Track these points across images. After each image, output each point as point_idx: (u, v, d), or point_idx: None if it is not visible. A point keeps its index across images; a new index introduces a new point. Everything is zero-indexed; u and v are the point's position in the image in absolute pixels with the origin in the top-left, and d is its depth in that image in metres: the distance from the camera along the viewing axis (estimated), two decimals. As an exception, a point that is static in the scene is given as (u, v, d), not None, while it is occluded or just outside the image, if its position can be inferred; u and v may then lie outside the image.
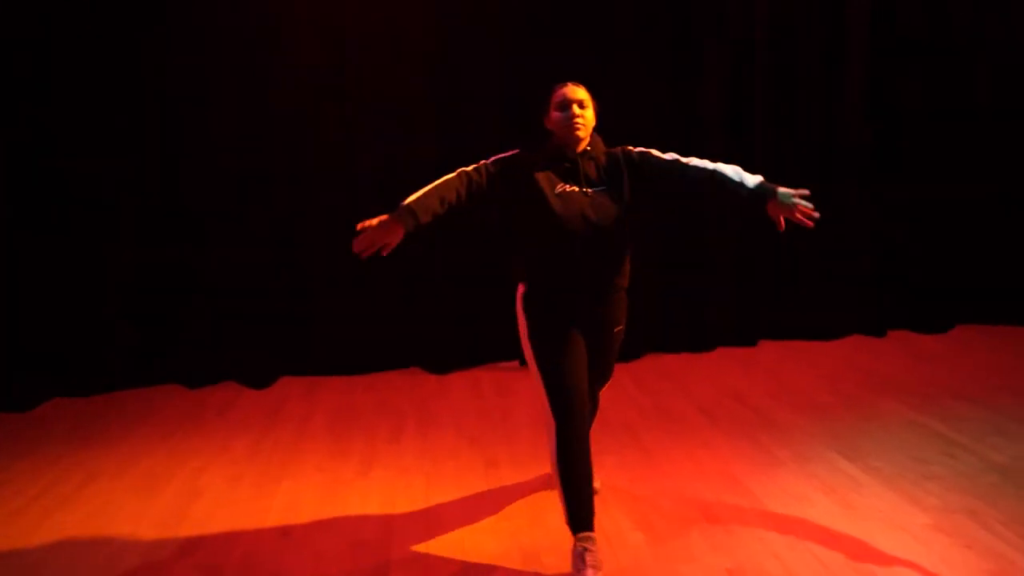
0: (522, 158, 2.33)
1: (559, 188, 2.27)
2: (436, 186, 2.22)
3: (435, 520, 2.64)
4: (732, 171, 2.21)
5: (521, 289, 2.42)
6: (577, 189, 2.27)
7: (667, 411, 3.70)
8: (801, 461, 3.05)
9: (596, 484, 2.52)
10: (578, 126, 2.28)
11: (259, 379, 4.28)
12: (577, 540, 2.18)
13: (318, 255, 4.37)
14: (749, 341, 4.94)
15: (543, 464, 3.08)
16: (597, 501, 2.33)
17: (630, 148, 2.37)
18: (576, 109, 2.28)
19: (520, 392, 4.08)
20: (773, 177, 2.23)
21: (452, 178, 2.26)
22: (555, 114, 2.32)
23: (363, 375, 4.43)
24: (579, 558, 2.14)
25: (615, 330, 2.43)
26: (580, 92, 2.32)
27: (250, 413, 3.82)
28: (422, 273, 4.46)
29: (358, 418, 3.71)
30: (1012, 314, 5.13)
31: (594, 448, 2.31)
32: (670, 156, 2.32)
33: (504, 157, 2.33)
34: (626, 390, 4.00)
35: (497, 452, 3.24)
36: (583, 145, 2.33)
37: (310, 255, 4.38)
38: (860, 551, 2.36)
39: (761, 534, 2.49)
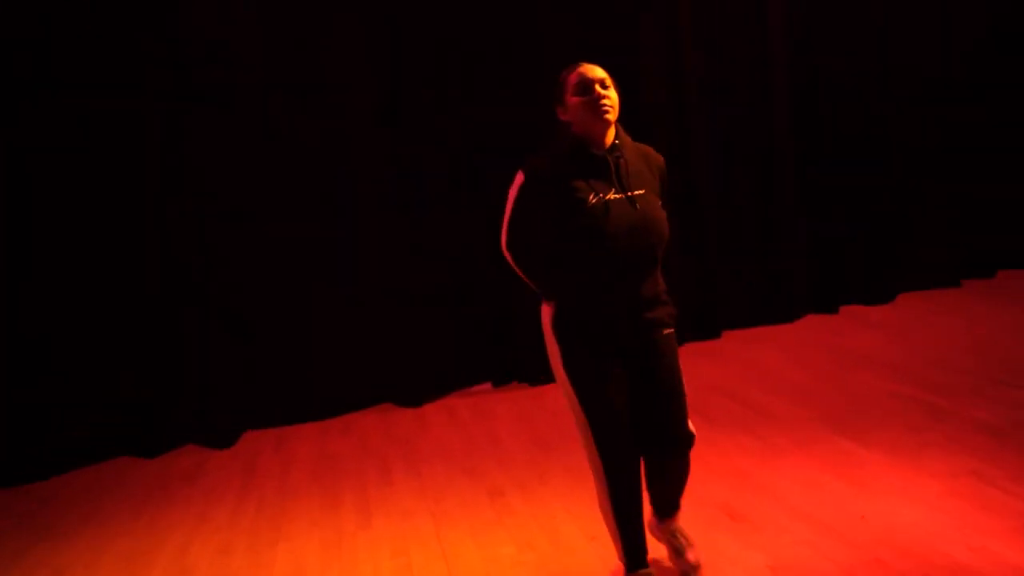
0: (543, 164, 1.99)
1: (600, 195, 1.92)
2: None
3: (455, 562, 2.50)
4: None
5: (549, 310, 2.06)
6: (622, 196, 1.94)
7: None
8: (802, 446, 3.07)
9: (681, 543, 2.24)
10: (606, 108, 1.93)
11: (222, 438, 4.00)
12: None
13: (274, 300, 4.14)
14: (713, 334, 5.01)
15: (549, 485, 2.99)
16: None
17: (661, 156, 2.12)
18: (599, 89, 1.95)
19: (501, 414, 3.98)
20: (711, 174, 2.15)
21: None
22: (573, 99, 1.96)
23: (333, 419, 4.21)
24: None
25: (665, 332, 2.06)
26: (599, 71, 1.99)
27: (222, 476, 3.55)
28: (376, 305, 4.29)
29: (341, 464, 3.51)
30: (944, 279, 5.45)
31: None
32: None
33: (530, 175, 1.97)
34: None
35: (497, 480, 3.12)
36: (612, 136, 1.99)
37: (265, 300, 4.15)
38: (887, 528, 2.37)
39: (787, 525, 2.47)
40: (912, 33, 5.38)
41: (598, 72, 1.99)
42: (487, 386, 4.54)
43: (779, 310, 5.13)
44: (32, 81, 3.39)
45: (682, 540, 2.24)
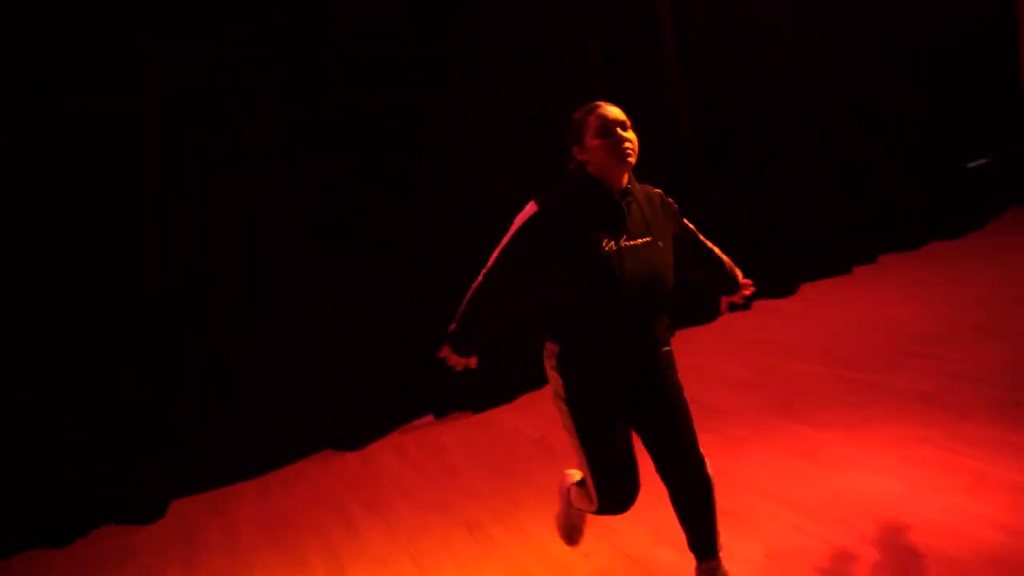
0: (555, 201, 1.92)
1: (614, 240, 1.88)
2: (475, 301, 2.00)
3: (451, 602, 2.38)
4: (720, 254, 2.28)
5: (552, 348, 2.00)
6: (639, 242, 1.90)
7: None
8: (760, 435, 3.18)
9: None
10: (629, 152, 1.89)
11: (146, 511, 3.63)
12: None
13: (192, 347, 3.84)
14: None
15: (524, 509, 2.93)
16: (608, 530, 2.31)
17: (671, 199, 2.11)
18: (621, 131, 1.90)
19: (451, 445, 3.87)
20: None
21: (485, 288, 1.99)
22: (595, 141, 1.90)
23: (269, 474, 3.94)
24: None
25: (664, 350, 2.03)
26: (619, 112, 1.94)
27: (156, 553, 3.22)
28: (303, 347, 4.09)
29: (294, 520, 3.28)
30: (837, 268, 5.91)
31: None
32: (691, 226, 2.18)
33: (544, 208, 1.91)
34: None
35: (470, 511, 3.01)
36: (627, 179, 1.96)
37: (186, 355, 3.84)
38: (861, 501, 2.49)
39: (771, 511, 2.54)
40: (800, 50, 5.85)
41: (619, 114, 1.93)
42: (429, 418, 4.41)
43: (698, 311, 5.33)
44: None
45: None
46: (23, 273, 3.39)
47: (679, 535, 2.36)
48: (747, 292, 2.34)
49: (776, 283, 5.61)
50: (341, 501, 3.39)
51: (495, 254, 1.98)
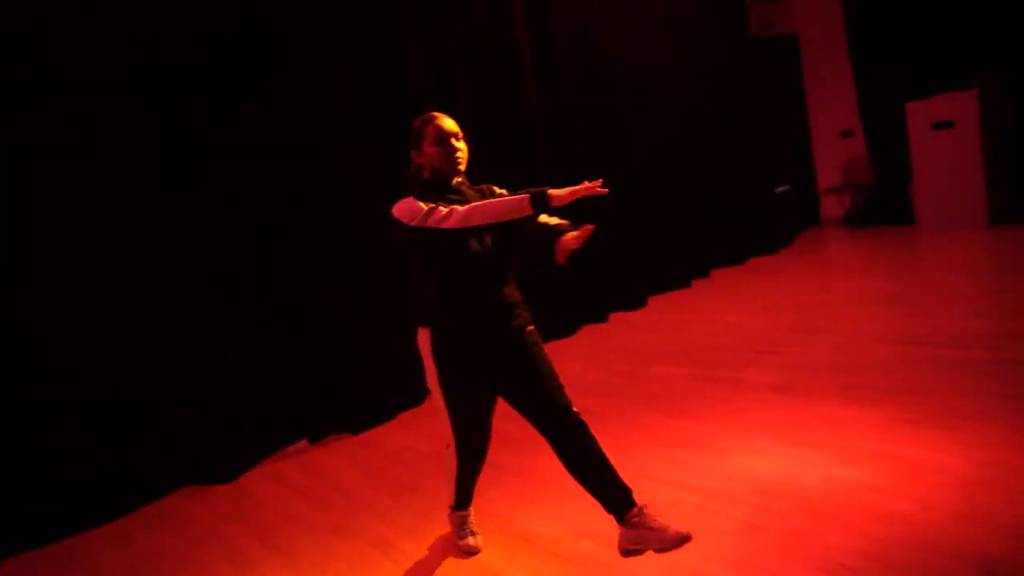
0: (420, 194, 2.15)
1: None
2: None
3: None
4: (551, 218, 2.30)
5: (426, 332, 2.27)
6: None
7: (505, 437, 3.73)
8: (642, 431, 3.38)
9: None
10: (460, 161, 2.22)
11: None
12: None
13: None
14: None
15: (438, 522, 2.88)
16: (527, 532, 2.46)
17: (500, 187, 2.40)
18: (454, 142, 2.21)
19: (337, 468, 3.71)
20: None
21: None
22: (432, 148, 2.20)
23: (126, 516, 3.54)
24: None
25: (528, 328, 2.31)
26: (454, 124, 2.24)
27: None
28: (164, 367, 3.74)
29: (170, 563, 2.96)
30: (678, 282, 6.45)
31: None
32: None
33: (418, 197, 2.11)
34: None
35: (379, 531, 2.91)
36: (456, 182, 2.27)
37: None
38: (753, 480, 2.73)
39: (674, 496, 2.70)
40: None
41: (454, 125, 2.22)
42: (303, 444, 4.20)
43: (557, 326, 5.54)
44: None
45: (657, 521, 2.17)
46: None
47: (597, 527, 2.48)
48: (586, 231, 2.24)
49: (626, 296, 6.02)
50: (225, 536, 3.12)
51: (450, 221, 2.04)
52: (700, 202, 6.81)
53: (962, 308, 4.50)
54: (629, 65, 6.10)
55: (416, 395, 4.59)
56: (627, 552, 2.18)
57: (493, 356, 2.27)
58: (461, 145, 2.22)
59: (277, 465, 3.92)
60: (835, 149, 8.48)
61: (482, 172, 2.63)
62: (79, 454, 3.45)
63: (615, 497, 2.21)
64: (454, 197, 2.22)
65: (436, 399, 2.36)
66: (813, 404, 3.35)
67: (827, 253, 7.34)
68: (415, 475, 3.42)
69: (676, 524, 2.16)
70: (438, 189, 2.22)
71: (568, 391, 2.31)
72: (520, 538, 2.63)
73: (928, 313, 4.48)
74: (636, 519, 2.17)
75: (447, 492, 2.67)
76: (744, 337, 4.66)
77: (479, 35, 5.10)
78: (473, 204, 2.06)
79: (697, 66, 6.78)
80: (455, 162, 2.21)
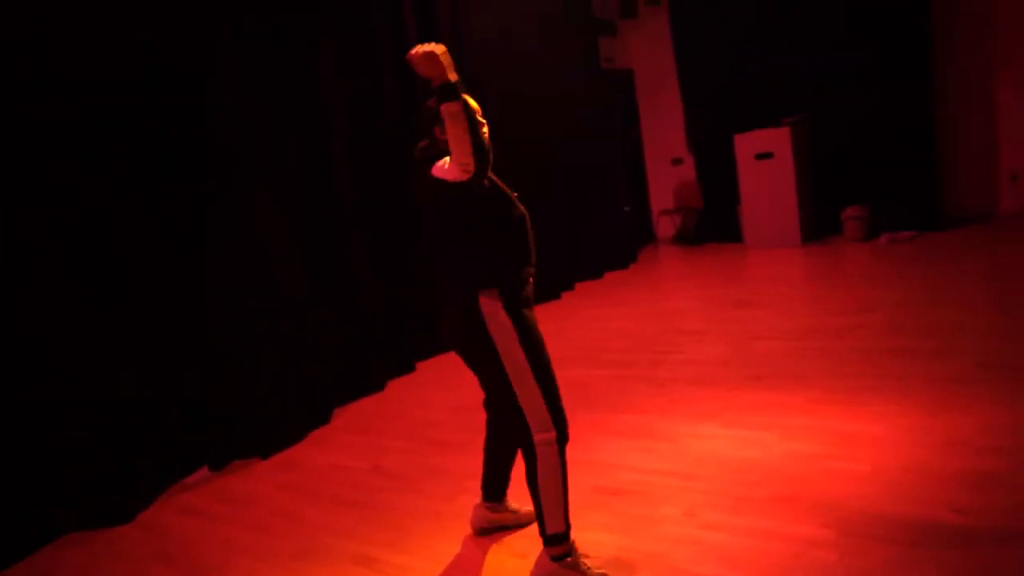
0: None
1: None
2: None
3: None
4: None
5: (489, 294, 2.19)
6: None
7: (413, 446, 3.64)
8: (592, 428, 3.48)
9: None
10: (486, 137, 2.26)
11: None
12: (572, 546, 2.26)
13: None
14: (409, 368, 5.13)
15: (416, 532, 2.75)
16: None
17: None
18: (481, 119, 2.26)
19: (264, 491, 3.39)
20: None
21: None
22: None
23: (13, 567, 2.94)
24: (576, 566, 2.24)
25: None
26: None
27: None
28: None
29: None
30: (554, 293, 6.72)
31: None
32: None
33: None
34: (371, 441, 3.74)
35: (356, 549, 2.70)
36: None
37: None
38: (718, 460, 2.94)
39: (657, 482, 2.83)
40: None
41: (477, 106, 2.26)
42: (203, 472, 3.75)
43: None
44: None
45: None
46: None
47: (613, 526, 2.54)
48: None
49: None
50: (158, 578, 2.71)
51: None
52: (564, 220, 7.14)
53: (808, 308, 5.20)
54: (501, 91, 6.29)
55: (323, 414, 4.31)
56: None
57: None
58: (484, 121, 2.22)
59: (183, 498, 3.47)
60: (667, 175, 9.36)
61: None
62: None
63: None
64: None
65: (517, 372, 2.19)
66: (733, 393, 3.67)
67: (671, 267, 8.05)
68: (362, 492, 3.22)
69: (669, 506, 2.43)
70: None
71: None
72: (532, 539, 2.60)
73: (783, 313, 5.10)
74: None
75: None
76: (638, 340, 4.97)
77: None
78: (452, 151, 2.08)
79: (554, 93, 7.14)
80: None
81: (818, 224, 7.71)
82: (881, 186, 7.22)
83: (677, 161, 9.20)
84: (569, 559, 2.24)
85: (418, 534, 2.74)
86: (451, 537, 2.67)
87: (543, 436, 2.21)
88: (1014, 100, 7.01)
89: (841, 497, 2.51)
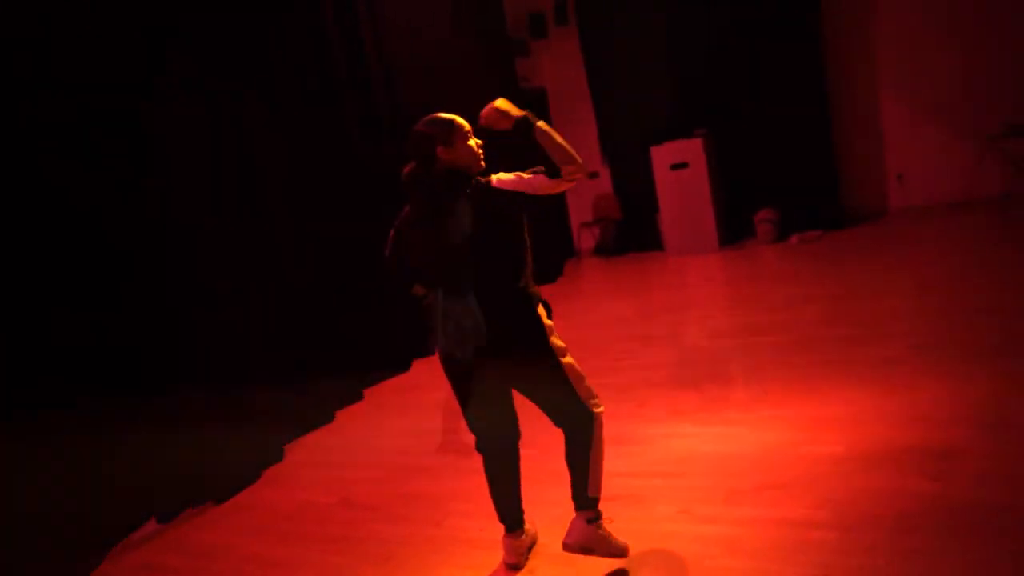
0: (446, 186, 2.31)
1: None
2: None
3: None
4: None
5: (539, 304, 2.33)
6: None
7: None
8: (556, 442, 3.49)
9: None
10: (481, 156, 2.39)
11: None
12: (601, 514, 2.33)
13: None
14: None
15: (405, 563, 2.65)
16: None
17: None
18: (478, 139, 2.39)
19: (226, 538, 3.17)
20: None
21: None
22: (464, 145, 2.32)
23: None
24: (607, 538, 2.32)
25: None
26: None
27: None
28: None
29: None
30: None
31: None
32: None
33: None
34: (332, 476, 3.58)
35: (360, 550, 2.57)
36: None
37: None
38: (701, 458, 3.01)
39: (647, 484, 2.86)
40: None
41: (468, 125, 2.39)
42: (152, 524, 3.48)
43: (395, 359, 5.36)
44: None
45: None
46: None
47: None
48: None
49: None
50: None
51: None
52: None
53: (741, 308, 5.43)
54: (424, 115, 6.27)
55: (275, 451, 4.10)
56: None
57: None
58: (480, 142, 2.38)
59: (135, 556, 3.19)
60: (584, 188, 9.58)
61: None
62: None
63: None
64: (468, 190, 2.29)
65: (566, 364, 2.31)
66: (696, 392, 3.77)
67: (598, 278, 8.21)
68: (344, 527, 3.07)
69: (663, 506, 2.52)
70: (461, 181, 2.30)
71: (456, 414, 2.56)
72: (537, 556, 2.55)
73: (720, 314, 5.31)
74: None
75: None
76: (589, 350, 4.99)
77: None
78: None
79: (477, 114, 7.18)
80: (479, 157, 2.35)
81: (732, 229, 8.09)
82: (787, 190, 7.67)
83: (593, 175, 9.43)
84: (600, 521, 2.33)
85: (414, 559, 2.64)
86: (454, 562, 2.58)
87: (597, 406, 2.36)
88: (895, 105, 7.64)
89: (825, 478, 2.62)
